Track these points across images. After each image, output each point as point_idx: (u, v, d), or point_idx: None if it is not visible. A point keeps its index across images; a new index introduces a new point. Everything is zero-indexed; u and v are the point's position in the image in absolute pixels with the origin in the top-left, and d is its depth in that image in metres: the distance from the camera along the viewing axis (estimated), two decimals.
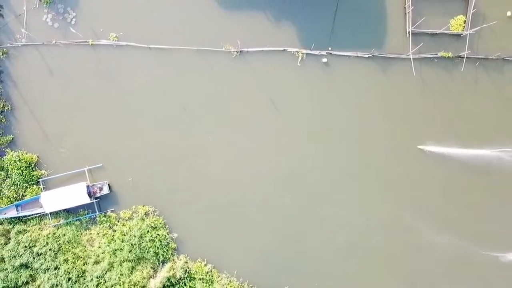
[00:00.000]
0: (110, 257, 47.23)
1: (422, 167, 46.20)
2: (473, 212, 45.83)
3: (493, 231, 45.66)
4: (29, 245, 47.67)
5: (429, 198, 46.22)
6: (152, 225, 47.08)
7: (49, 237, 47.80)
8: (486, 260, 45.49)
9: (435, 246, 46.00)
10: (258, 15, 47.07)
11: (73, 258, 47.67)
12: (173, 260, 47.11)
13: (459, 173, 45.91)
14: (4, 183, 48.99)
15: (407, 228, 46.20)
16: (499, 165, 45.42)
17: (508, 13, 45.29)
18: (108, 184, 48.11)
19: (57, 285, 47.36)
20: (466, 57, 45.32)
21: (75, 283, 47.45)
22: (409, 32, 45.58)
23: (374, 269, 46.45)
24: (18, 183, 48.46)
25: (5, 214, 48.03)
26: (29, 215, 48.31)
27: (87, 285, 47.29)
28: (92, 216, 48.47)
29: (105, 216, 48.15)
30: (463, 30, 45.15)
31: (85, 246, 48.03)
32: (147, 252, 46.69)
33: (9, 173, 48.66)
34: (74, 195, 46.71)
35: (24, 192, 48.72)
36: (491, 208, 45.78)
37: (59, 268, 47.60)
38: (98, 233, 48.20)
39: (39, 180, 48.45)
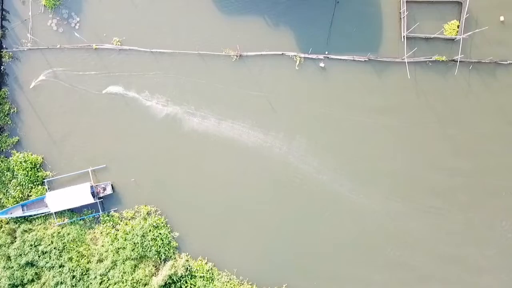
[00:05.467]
0: (113, 255, 48.21)
1: (416, 163, 47.16)
2: None
3: None
4: (34, 243, 48.69)
5: (427, 194, 46.99)
6: (154, 224, 48.01)
7: (54, 236, 48.81)
8: None
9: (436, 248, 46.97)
10: (257, 20, 48.11)
11: (77, 256, 48.64)
12: (175, 258, 47.99)
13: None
14: (10, 183, 50.09)
15: (408, 226, 46.85)
16: None
17: (501, 18, 46.10)
18: (112, 185, 49.09)
19: (61, 282, 48.38)
20: (459, 61, 46.17)
21: (79, 280, 48.49)
22: (404, 36, 46.46)
23: (372, 266, 47.06)
24: (24, 183, 49.58)
25: (11, 213, 49.13)
26: (34, 215, 49.35)
27: (90, 283, 48.25)
28: (96, 216, 49.49)
29: (108, 216, 49.11)
30: (456, 35, 45.97)
31: (89, 245, 48.97)
32: (149, 251, 47.60)
33: (15, 173, 49.76)
34: (78, 195, 47.76)
35: (30, 192, 49.83)
36: None
37: (63, 266, 48.67)
38: (101, 232, 49.20)
39: (44, 180, 49.50)
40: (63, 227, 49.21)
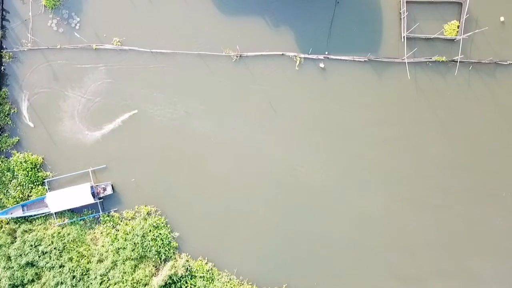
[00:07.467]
0: (114, 255, 48.26)
1: (416, 164, 47.16)
2: None
3: None
4: (34, 244, 48.68)
5: (428, 195, 47.03)
6: (154, 224, 48.05)
7: (54, 236, 48.83)
8: None
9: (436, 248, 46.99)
10: (257, 20, 48.09)
11: (77, 256, 48.68)
12: (175, 258, 48.04)
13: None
14: (10, 183, 50.10)
15: (407, 227, 46.89)
16: None
17: (501, 18, 46.07)
18: (112, 185, 49.11)
19: (61, 283, 48.38)
20: (459, 61, 46.14)
21: (79, 281, 48.51)
22: (404, 37, 46.44)
23: (372, 267, 47.11)
24: (24, 183, 49.58)
25: (11, 214, 49.14)
26: (34, 215, 49.39)
27: (91, 283, 48.28)
28: (96, 216, 49.52)
29: (108, 216, 49.15)
30: (456, 35, 45.96)
31: (89, 245, 49.02)
32: (150, 251, 47.64)
33: (15, 174, 49.75)
34: (79, 195, 47.78)
35: (30, 192, 49.85)
36: None
37: (63, 266, 48.67)
38: (101, 232, 49.24)
39: (44, 180, 49.51)
40: (63, 227, 49.24)
